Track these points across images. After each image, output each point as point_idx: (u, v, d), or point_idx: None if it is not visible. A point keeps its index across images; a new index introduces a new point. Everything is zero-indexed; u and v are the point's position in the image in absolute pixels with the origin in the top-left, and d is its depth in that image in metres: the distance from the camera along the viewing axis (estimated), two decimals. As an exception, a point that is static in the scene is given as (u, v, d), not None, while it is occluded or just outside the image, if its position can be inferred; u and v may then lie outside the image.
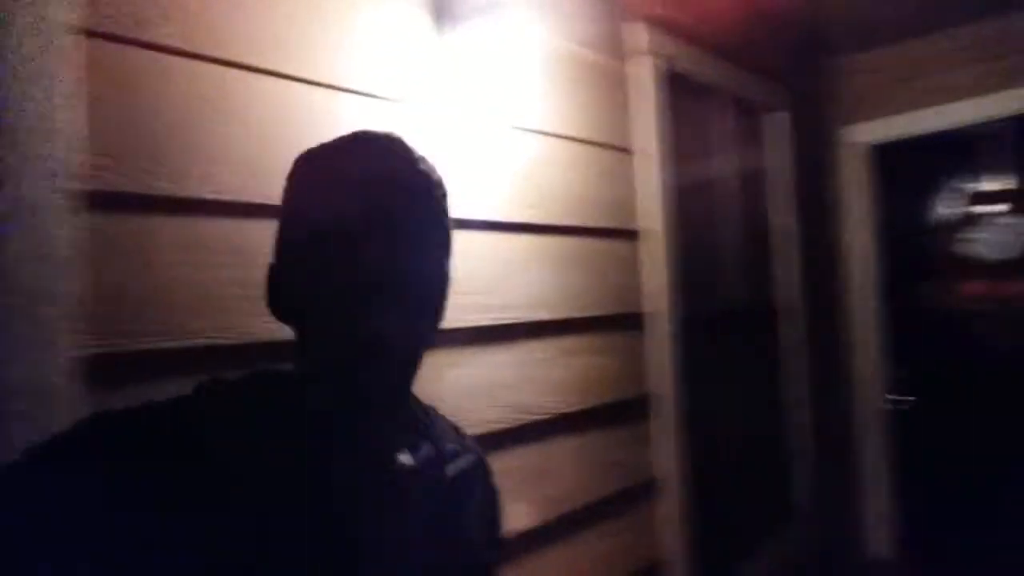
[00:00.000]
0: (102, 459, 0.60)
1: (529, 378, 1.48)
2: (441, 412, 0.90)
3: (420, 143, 1.25)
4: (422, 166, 0.71)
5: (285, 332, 1.04)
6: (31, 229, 0.83)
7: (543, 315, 1.53)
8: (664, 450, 1.84)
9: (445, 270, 0.73)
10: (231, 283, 1.02)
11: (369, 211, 0.66)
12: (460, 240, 1.32)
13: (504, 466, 1.36)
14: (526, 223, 1.50)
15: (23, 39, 0.82)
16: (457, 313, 1.30)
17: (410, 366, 0.72)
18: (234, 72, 1.05)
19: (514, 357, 1.46)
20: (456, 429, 0.89)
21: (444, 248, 0.74)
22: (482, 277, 1.40)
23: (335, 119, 1.18)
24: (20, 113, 0.82)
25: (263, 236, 1.06)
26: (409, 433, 0.77)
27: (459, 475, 0.79)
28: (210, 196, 1.01)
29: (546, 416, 1.51)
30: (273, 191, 1.06)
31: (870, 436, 2.97)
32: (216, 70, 1.03)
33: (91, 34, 0.89)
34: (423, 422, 0.80)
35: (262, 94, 1.08)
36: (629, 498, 1.74)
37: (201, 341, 0.98)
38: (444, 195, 0.74)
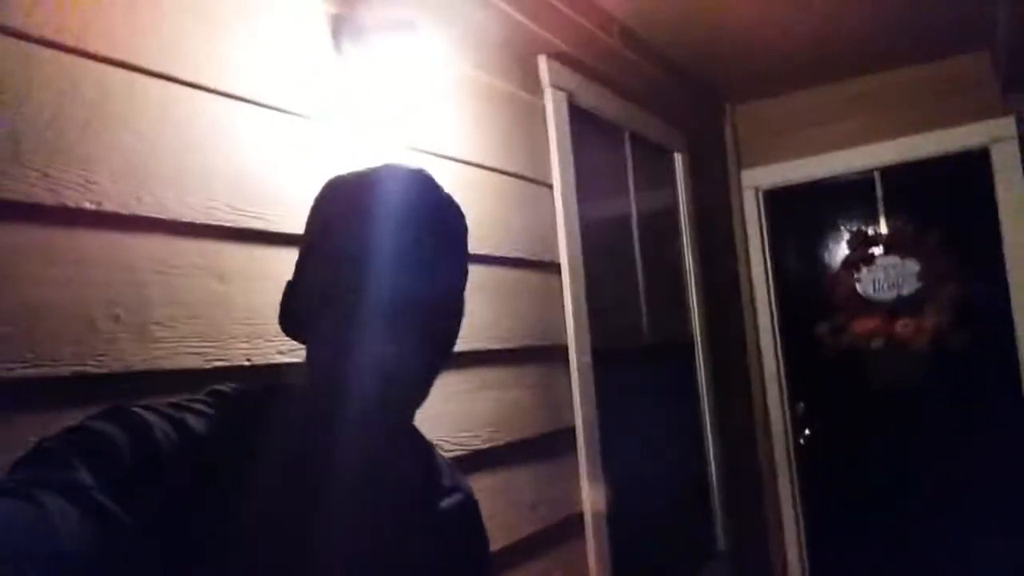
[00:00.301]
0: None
1: (443, 412, 1.40)
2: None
3: (313, 158, 1.21)
4: (445, 199, 0.73)
5: (163, 361, 0.94)
6: None
7: (458, 346, 1.45)
8: (588, 486, 1.77)
9: (460, 302, 0.75)
10: (107, 303, 0.90)
11: (391, 238, 0.67)
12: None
13: None
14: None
15: None
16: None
17: (417, 393, 0.72)
18: (120, 72, 0.95)
19: (434, 390, 1.37)
20: (451, 467, 0.86)
21: (460, 280, 0.75)
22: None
23: (231, 129, 1.10)
24: None
25: (149, 251, 0.96)
26: (407, 459, 0.77)
27: (450, 511, 0.79)
28: (87, 206, 0.90)
29: (462, 451, 1.42)
30: (164, 202, 0.99)
31: (780, 470, 3.01)
32: (97, 67, 0.93)
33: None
34: (422, 453, 0.79)
35: (152, 98, 0.99)
36: (554, 537, 1.65)
37: (65, 369, 0.85)
38: (465, 230, 0.76)
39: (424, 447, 0.81)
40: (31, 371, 0.82)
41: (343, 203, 0.71)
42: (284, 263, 1.11)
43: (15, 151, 0.84)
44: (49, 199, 0.86)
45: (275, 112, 1.16)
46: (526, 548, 1.55)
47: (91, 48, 0.92)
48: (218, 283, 1.04)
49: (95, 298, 0.89)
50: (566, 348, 1.80)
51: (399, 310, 0.66)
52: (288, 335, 0.73)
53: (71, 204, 0.88)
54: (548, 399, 1.72)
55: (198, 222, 1.02)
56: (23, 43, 0.86)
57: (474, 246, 1.48)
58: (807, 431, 3.01)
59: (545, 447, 1.68)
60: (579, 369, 1.81)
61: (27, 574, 0.49)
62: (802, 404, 3.04)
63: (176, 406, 0.64)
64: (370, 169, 0.73)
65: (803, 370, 3.05)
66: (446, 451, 1.37)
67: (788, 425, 3.02)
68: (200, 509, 0.59)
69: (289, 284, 0.73)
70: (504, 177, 1.68)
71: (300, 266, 0.73)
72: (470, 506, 0.84)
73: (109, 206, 0.92)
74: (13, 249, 0.83)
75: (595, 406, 1.84)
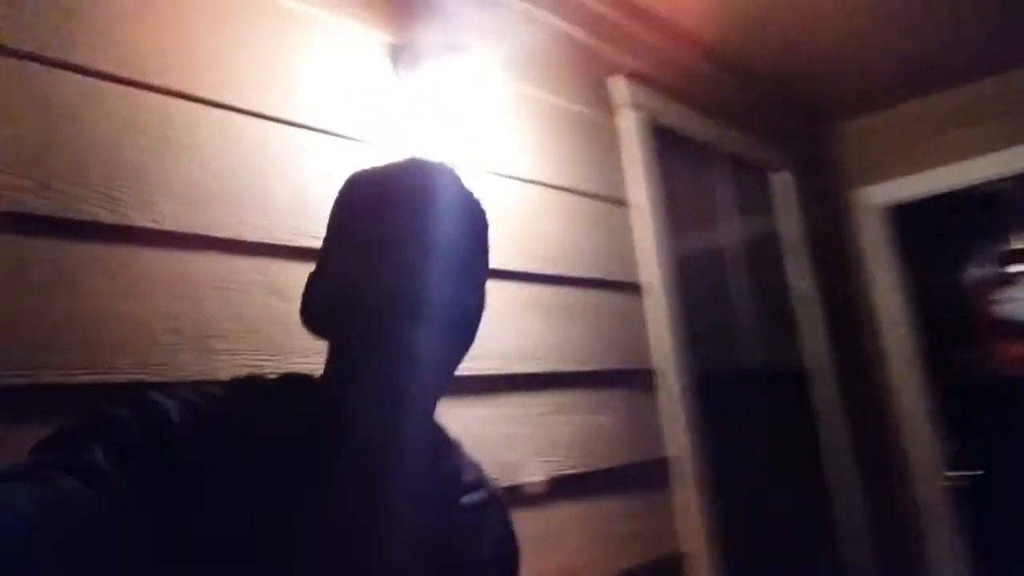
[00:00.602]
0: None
1: (520, 435, 1.35)
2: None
3: None
4: (468, 194, 0.73)
5: (220, 373, 0.97)
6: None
7: (532, 367, 1.41)
8: (690, 522, 1.65)
9: (481, 298, 0.74)
10: (166, 316, 0.94)
11: (413, 231, 0.66)
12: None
13: None
14: (506, 270, 1.42)
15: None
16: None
17: (441, 385, 0.70)
18: (182, 103, 1.02)
19: (500, 412, 1.33)
20: (477, 467, 0.85)
21: (482, 276, 0.75)
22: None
23: (289, 154, 1.14)
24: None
25: (204, 269, 1.00)
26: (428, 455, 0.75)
27: (472, 507, 0.77)
28: (148, 224, 0.95)
29: (542, 478, 1.36)
30: (223, 223, 1.04)
31: (933, 517, 2.69)
32: (158, 99, 0.99)
33: (8, 53, 0.86)
34: (444, 448, 0.78)
35: (214, 127, 1.04)
36: (651, 574, 1.54)
37: (124, 377, 0.89)
38: (487, 227, 0.75)
39: (446, 441, 0.79)
40: (91, 377, 0.86)
41: (367, 197, 0.71)
42: None
43: (82, 176, 0.90)
44: (111, 218, 0.92)
45: (335, 138, 1.20)
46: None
47: (154, 81, 0.99)
48: (277, 300, 1.06)
49: (155, 311, 0.93)
50: (653, 373, 1.71)
51: (424, 303, 0.65)
52: (309, 329, 0.72)
53: (133, 223, 0.93)
54: (637, 426, 1.63)
55: (257, 241, 1.06)
56: (89, 79, 0.93)
57: (544, 266, 1.48)
58: (963, 472, 2.67)
59: (637, 477, 1.58)
60: (671, 395, 1.71)
61: (43, 555, 0.49)
62: (954, 441, 2.71)
63: (194, 391, 0.64)
64: (394, 163, 0.73)
65: (952, 403, 2.73)
66: (526, 474, 1.32)
67: (937, 465, 2.71)
68: (213, 492, 0.59)
69: (311, 277, 0.73)
70: (574, 196, 1.64)
71: (322, 259, 0.73)
72: (495, 506, 0.81)
73: (169, 225, 0.97)
74: (79, 264, 0.88)
75: (693, 435, 1.73)
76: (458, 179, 0.72)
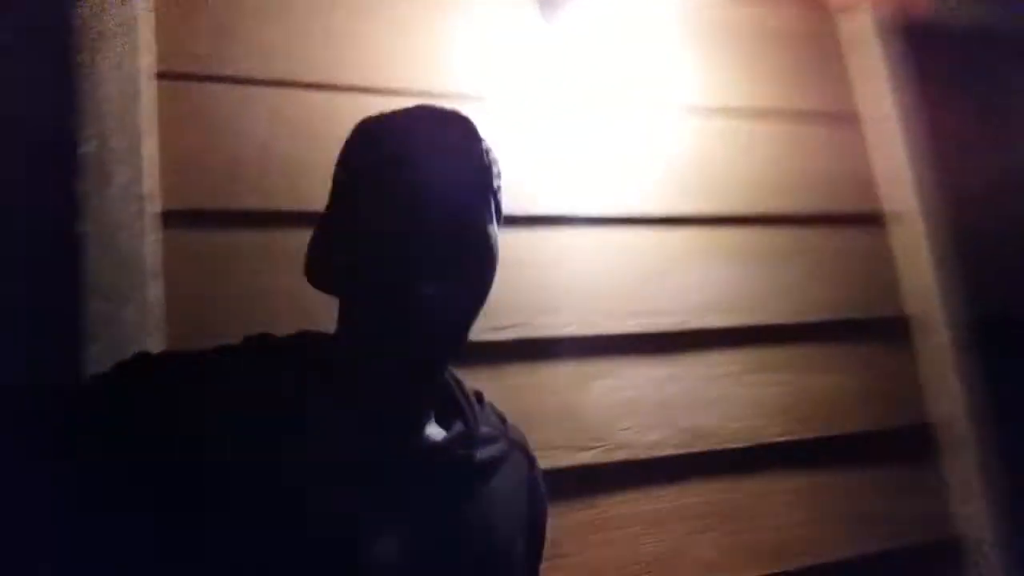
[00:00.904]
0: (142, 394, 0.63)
1: (707, 398, 1.21)
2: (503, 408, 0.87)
3: (545, 137, 1.19)
4: (480, 141, 0.71)
5: None
6: (116, 245, 0.94)
7: (723, 321, 1.26)
8: (968, 501, 1.33)
9: (494, 246, 0.71)
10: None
11: (424, 180, 0.66)
12: (594, 238, 1.19)
13: (679, 502, 1.12)
14: (684, 216, 1.28)
15: (105, 82, 0.97)
16: (591, 317, 1.15)
17: (453, 337, 0.70)
18: (318, 93, 1.10)
19: (684, 371, 1.21)
20: (502, 419, 0.84)
21: (493, 223, 0.72)
22: (624, 278, 1.21)
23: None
24: (104, 146, 0.96)
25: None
26: (444, 410, 0.76)
27: (490, 461, 0.75)
28: (294, 208, 1.05)
29: (740, 445, 1.21)
30: None
31: None
32: (296, 93, 1.09)
33: (165, 75, 1.02)
34: (461, 402, 0.77)
35: (347, 110, 1.11)
36: (911, 562, 1.28)
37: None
38: (499, 173, 0.74)
39: (464, 396, 0.78)
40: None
41: (375, 147, 0.70)
42: (536, 245, 1.14)
43: (234, 172, 1.03)
44: (259, 205, 1.03)
45: (483, 101, 1.19)
46: (857, 569, 1.23)
47: (291, 78, 1.09)
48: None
49: (303, 284, 1.03)
50: (907, 321, 1.41)
51: (437, 253, 0.64)
52: (318, 287, 0.72)
53: (276, 208, 1.04)
54: (883, 386, 1.35)
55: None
56: (239, 86, 1.06)
57: (745, 206, 1.30)
58: None
59: (885, 447, 1.32)
60: (937, 348, 1.39)
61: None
62: None
63: (209, 351, 0.69)
64: (402, 111, 0.72)
65: None
66: (713, 441, 1.20)
67: None
68: (224, 455, 0.61)
69: (318, 232, 0.73)
70: (783, 119, 1.41)
71: (330, 213, 0.73)
72: (515, 461, 0.80)
73: (311, 206, 1.05)
74: (233, 248, 1.01)
75: (971, 396, 1.38)
76: (469, 123, 0.70)
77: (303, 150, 1.07)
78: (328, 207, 0.74)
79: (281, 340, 0.72)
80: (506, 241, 1.10)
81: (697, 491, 1.17)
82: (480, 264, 0.69)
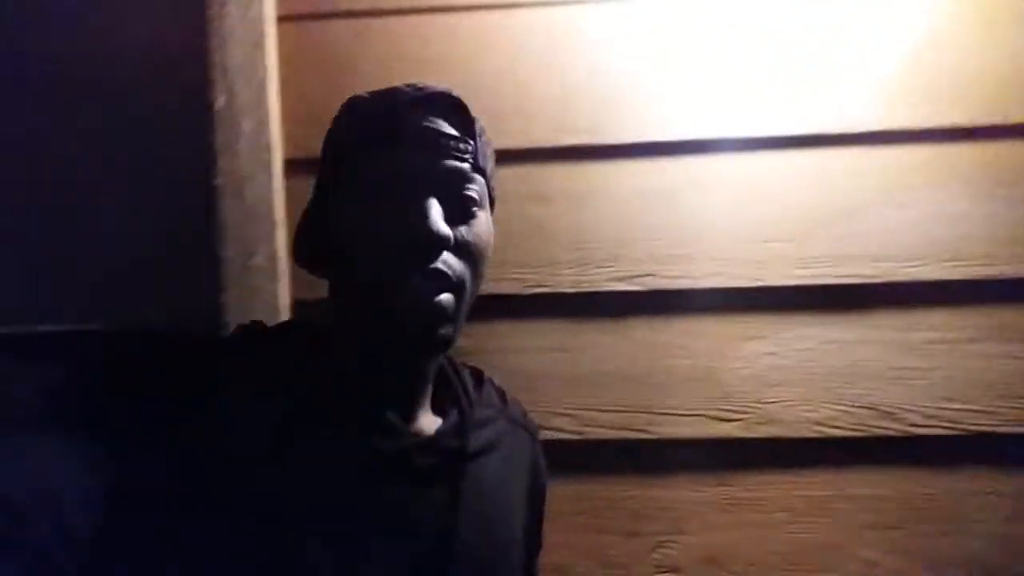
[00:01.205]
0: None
1: (909, 369, 0.96)
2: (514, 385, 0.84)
3: (644, 49, 0.96)
4: (471, 119, 0.68)
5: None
6: (244, 195, 1.01)
7: (935, 273, 0.96)
8: None
9: (485, 232, 0.69)
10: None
11: (409, 166, 0.64)
12: (758, 164, 0.97)
13: (844, 491, 0.96)
14: (896, 130, 0.97)
15: (234, 32, 1.00)
16: (741, 269, 0.97)
17: (446, 329, 0.66)
18: (432, 16, 1.02)
19: (871, 334, 0.97)
20: (503, 397, 0.83)
21: (486, 209, 0.70)
22: (799, 216, 0.98)
23: (553, 44, 1.02)
24: (232, 97, 1.01)
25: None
26: (441, 398, 0.75)
27: (485, 445, 0.74)
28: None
29: (943, 431, 0.95)
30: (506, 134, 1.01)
31: None
32: (413, 19, 1.02)
33: (285, 18, 1.02)
34: (457, 388, 0.76)
35: (466, 31, 1.02)
36: None
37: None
38: (492, 154, 0.72)
39: (459, 377, 0.77)
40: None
41: (360, 129, 0.67)
42: (612, 178, 0.99)
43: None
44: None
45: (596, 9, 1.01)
46: None
47: (403, 5, 1.02)
48: (538, 206, 1.01)
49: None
50: None
51: (435, 245, 0.63)
52: (305, 267, 0.71)
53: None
54: None
55: (515, 147, 1.01)
56: (351, 20, 1.02)
57: (999, 112, 0.94)
58: None
59: None
60: None
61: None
62: None
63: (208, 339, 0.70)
64: (391, 88, 0.69)
65: None
66: (907, 422, 0.96)
67: None
68: (226, 446, 0.61)
69: (306, 212, 0.71)
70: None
71: (320, 192, 0.70)
72: (513, 439, 0.78)
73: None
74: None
75: None
76: (459, 102, 0.66)
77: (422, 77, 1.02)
78: (316, 187, 0.71)
79: (273, 330, 0.73)
80: (633, 170, 0.96)
81: (870, 480, 0.96)
82: (470, 254, 0.66)
